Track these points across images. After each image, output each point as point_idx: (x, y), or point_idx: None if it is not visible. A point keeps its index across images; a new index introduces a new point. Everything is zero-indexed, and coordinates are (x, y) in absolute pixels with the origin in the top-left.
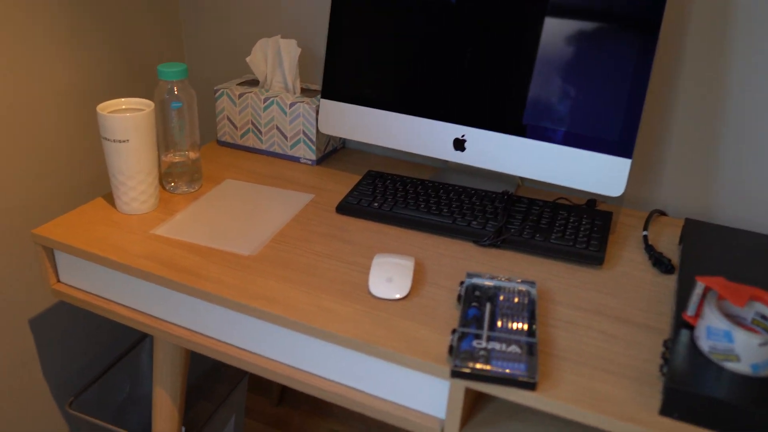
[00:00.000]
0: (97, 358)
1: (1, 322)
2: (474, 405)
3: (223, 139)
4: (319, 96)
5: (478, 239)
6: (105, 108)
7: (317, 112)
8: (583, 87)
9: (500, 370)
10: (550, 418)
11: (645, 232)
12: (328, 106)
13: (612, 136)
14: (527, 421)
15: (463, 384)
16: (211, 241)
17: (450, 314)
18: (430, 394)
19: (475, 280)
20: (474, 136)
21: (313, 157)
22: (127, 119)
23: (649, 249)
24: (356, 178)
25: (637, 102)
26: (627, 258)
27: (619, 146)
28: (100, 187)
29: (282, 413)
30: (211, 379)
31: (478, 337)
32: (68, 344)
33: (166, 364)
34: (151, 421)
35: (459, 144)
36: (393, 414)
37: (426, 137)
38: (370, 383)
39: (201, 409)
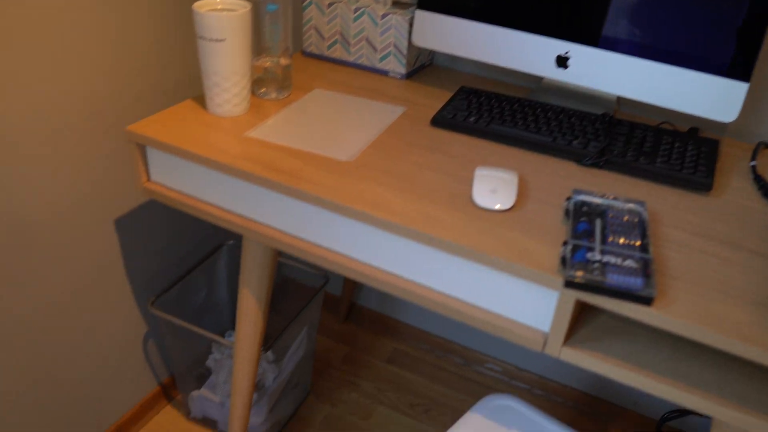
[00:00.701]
0: (177, 262)
1: (90, 220)
2: (575, 321)
3: (308, 50)
4: (412, 8)
5: (580, 158)
6: (202, 6)
7: (410, 25)
8: (698, 1)
9: (616, 282)
10: (653, 338)
11: (753, 162)
12: (425, 17)
13: (728, 57)
14: (630, 341)
15: (574, 296)
16: (307, 145)
17: (557, 229)
18: (536, 306)
19: (583, 197)
20: (578, 52)
21: (403, 71)
22: (225, 18)
23: (759, 179)
24: (447, 95)
25: (761, 20)
26: (735, 187)
27: (736, 68)
28: (188, 88)
29: (348, 330)
30: (281, 293)
31: (590, 249)
32: (150, 247)
33: (254, 266)
34: (224, 328)
35: (562, 61)
36: (495, 324)
37: (527, 53)
38: (472, 293)
39: (272, 322)
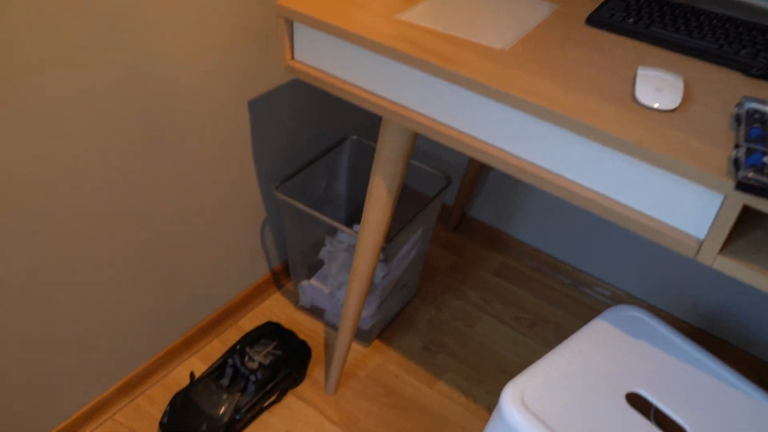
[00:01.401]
0: (300, 152)
1: (227, 98)
2: (733, 231)
3: None
4: None
5: (747, 69)
6: None
7: None
8: None
9: None
10: None
11: None
12: None
13: None
14: None
15: (742, 200)
16: (460, 31)
17: (724, 133)
18: (694, 209)
19: (754, 105)
20: None
21: None
22: None
23: None
24: None
25: None
26: None
27: None
28: None
29: (457, 240)
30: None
31: (765, 154)
32: (277, 133)
33: (390, 151)
34: (339, 222)
35: None
36: (646, 226)
37: None
38: (625, 191)
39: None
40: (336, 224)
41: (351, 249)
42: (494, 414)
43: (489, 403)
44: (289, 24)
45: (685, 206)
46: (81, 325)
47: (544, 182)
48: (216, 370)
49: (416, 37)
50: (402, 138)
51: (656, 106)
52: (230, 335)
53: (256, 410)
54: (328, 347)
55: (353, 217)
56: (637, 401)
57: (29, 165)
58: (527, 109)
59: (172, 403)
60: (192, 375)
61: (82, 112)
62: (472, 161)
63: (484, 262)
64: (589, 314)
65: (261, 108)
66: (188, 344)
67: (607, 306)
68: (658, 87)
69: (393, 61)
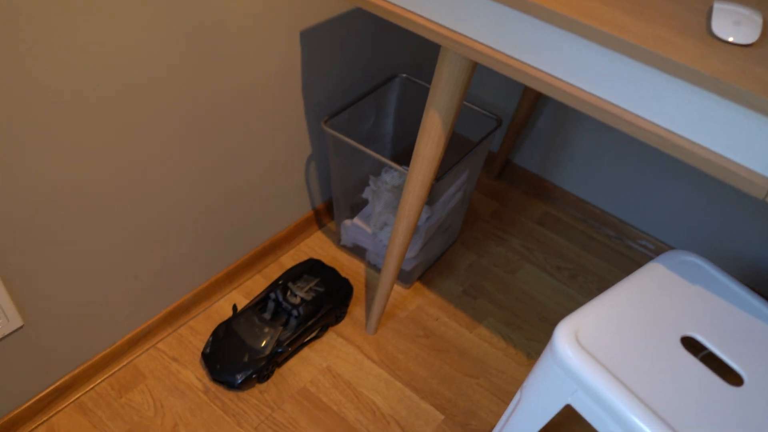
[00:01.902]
0: (349, 88)
1: (280, 27)
2: None
3: None
4: None
5: None
6: None
7: None
8: None
9: None
10: None
11: None
12: None
13: None
14: None
15: None
16: None
17: None
18: None
19: None
20: None
21: None
22: None
23: None
24: None
25: None
26: None
27: None
28: None
29: (500, 187)
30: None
31: None
32: (327, 67)
33: (448, 83)
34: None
35: None
36: (715, 163)
37: None
38: (696, 128)
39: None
40: (385, 160)
41: (395, 189)
42: (546, 351)
43: (528, 349)
44: None
45: (758, 144)
46: (129, 251)
47: (610, 116)
48: (258, 304)
49: None
50: (460, 68)
51: (732, 39)
52: (271, 271)
53: (297, 345)
54: (369, 287)
55: (398, 157)
56: (691, 345)
57: (107, 75)
58: (597, 38)
59: (215, 333)
60: (235, 307)
61: (142, 35)
62: (520, 106)
63: (527, 211)
64: (632, 268)
65: (313, 40)
66: (231, 278)
67: (650, 260)
68: (736, 21)
69: None
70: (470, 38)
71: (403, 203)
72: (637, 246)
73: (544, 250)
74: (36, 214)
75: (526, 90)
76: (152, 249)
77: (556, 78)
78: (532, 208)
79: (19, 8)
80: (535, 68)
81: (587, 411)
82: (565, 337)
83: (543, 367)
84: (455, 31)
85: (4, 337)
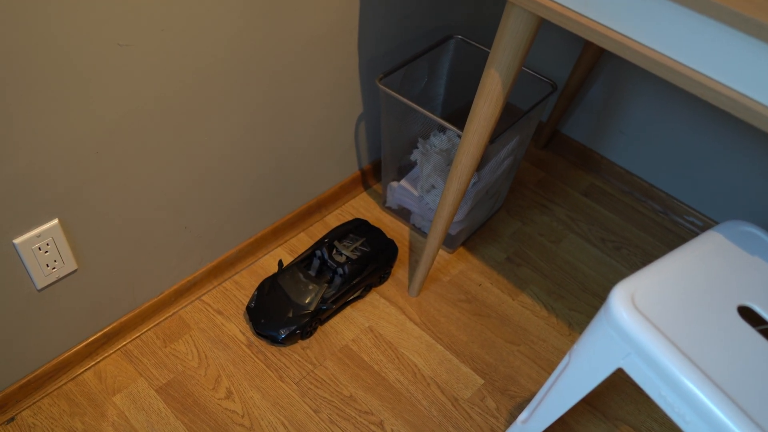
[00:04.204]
0: (403, 46)
1: None
2: None
3: None
4: None
5: None
6: None
7: None
8: None
9: None
10: None
11: None
12: None
13: None
14: None
15: None
16: None
17: None
18: None
19: None
20: None
21: None
22: None
23: None
24: None
25: None
26: None
27: None
28: None
29: (547, 157)
30: None
31: None
32: (383, 23)
33: (511, 40)
34: (434, 124)
35: None
36: None
37: None
38: None
39: None
40: (440, 120)
41: (443, 152)
42: (600, 313)
43: (570, 319)
44: None
45: None
46: (181, 201)
47: (684, 79)
48: (304, 261)
49: None
50: (525, 25)
51: None
52: (317, 230)
53: (340, 303)
54: (413, 250)
55: (449, 120)
56: (748, 315)
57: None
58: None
59: (260, 288)
60: (280, 263)
61: None
62: (573, 74)
63: (573, 181)
64: (677, 243)
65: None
66: (276, 234)
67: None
68: None
69: None
70: None
71: (456, 163)
72: (683, 222)
73: (589, 221)
74: (95, 158)
75: (581, 57)
76: (203, 200)
77: (629, 38)
78: (578, 179)
79: None
80: (607, 27)
81: (639, 375)
82: (621, 299)
83: (596, 329)
84: None
85: (59, 279)
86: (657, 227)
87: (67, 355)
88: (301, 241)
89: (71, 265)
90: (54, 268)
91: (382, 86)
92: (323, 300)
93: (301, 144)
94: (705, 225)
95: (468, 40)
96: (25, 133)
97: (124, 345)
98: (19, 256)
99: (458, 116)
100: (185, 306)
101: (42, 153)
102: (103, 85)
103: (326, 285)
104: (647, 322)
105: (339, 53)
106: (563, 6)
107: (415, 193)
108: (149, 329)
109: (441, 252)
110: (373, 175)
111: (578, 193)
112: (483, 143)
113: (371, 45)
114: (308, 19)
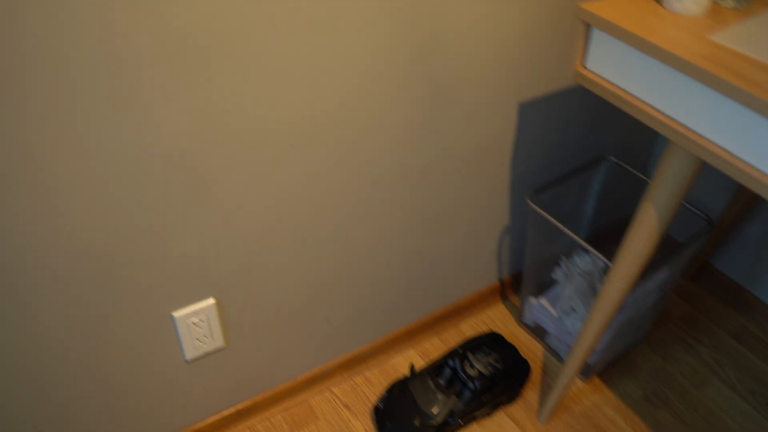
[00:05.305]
0: (555, 164)
1: (498, 96)
2: None
3: None
4: None
5: None
6: None
7: None
8: None
9: None
10: None
11: None
12: None
13: None
14: None
15: None
16: None
17: None
18: None
19: None
20: None
21: None
22: None
23: None
24: None
25: None
26: None
27: None
28: None
29: (695, 290)
30: None
31: None
32: (538, 140)
33: (671, 178)
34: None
35: None
36: None
37: None
38: None
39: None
40: (586, 245)
41: (586, 275)
42: None
43: None
44: (587, 29)
45: None
46: (325, 293)
47: None
48: (436, 369)
49: (730, 62)
50: (688, 167)
51: None
52: (450, 336)
53: (467, 418)
54: (546, 372)
55: (594, 241)
56: None
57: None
58: None
59: (390, 390)
60: (412, 367)
61: (378, 81)
62: (730, 207)
63: (722, 321)
64: None
65: (529, 111)
66: (410, 335)
67: None
68: None
69: (699, 84)
70: (704, 137)
71: (603, 295)
72: None
73: (737, 367)
74: (255, 249)
75: (740, 191)
76: (347, 294)
77: None
78: (728, 319)
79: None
80: None
81: None
82: None
83: None
84: (689, 128)
85: (206, 354)
86: None
87: (200, 425)
88: (433, 345)
89: (219, 342)
90: (204, 342)
91: (531, 204)
92: (451, 413)
93: (444, 249)
94: None
95: (621, 164)
96: (198, 222)
97: (254, 424)
98: (175, 327)
99: (605, 236)
100: (315, 395)
101: (209, 240)
102: (271, 183)
103: (455, 397)
104: None
105: (492, 167)
106: (735, 155)
107: (554, 313)
108: (279, 413)
109: (574, 379)
110: (512, 287)
111: (727, 334)
112: (633, 278)
113: (524, 161)
114: (467, 132)
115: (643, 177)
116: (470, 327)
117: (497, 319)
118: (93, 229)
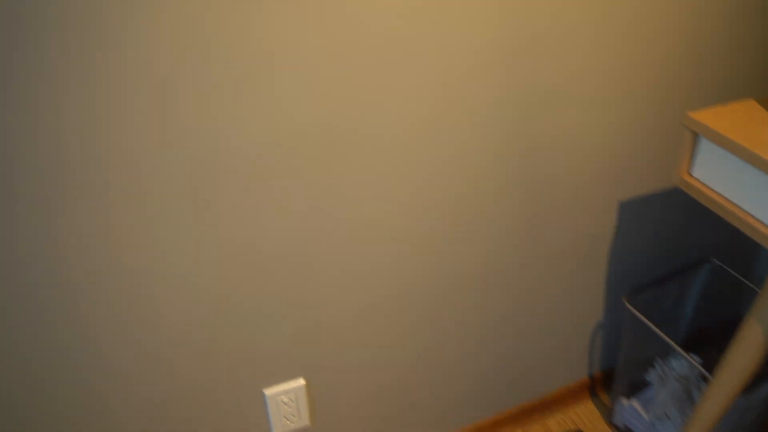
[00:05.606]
0: (653, 262)
1: (600, 193)
2: None
3: None
4: None
5: None
6: None
7: None
8: None
9: None
10: None
11: None
12: None
13: None
14: None
15: None
16: None
17: None
18: None
19: None
20: None
21: None
22: None
23: None
24: None
25: None
26: None
27: None
28: (745, 86)
29: None
30: None
31: None
32: (636, 240)
33: None
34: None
35: None
36: None
37: None
38: None
39: None
40: (682, 352)
41: (683, 379)
42: None
43: None
44: (694, 138)
45: None
46: (412, 380)
47: None
48: None
49: None
50: None
51: None
52: (535, 430)
53: None
54: None
55: (690, 345)
56: None
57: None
58: None
59: None
60: None
61: (481, 184)
62: None
63: None
64: None
65: (628, 210)
66: (495, 427)
67: None
68: None
69: None
70: None
71: (701, 409)
72: None
73: None
74: (345, 335)
75: None
76: (433, 382)
77: None
78: None
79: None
80: None
81: None
82: None
83: None
84: None
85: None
86: None
87: None
88: None
89: (305, 421)
90: (291, 421)
91: (628, 305)
92: None
93: (535, 341)
94: None
95: (725, 267)
96: (298, 306)
97: None
98: (265, 404)
99: (704, 338)
100: None
101: (307, 323)
102: (369, 273)
103: None
104: None
105: (588, 263)
106: None
107: (646, 417)
108: None
109: None
110: (602, 384)
111: None
112: (734, 394)
113: (621, 258)
114: (566, 228)
115: (746, 282)
116: (557, 423)
117: (585, 417)
118: (202, 315)
